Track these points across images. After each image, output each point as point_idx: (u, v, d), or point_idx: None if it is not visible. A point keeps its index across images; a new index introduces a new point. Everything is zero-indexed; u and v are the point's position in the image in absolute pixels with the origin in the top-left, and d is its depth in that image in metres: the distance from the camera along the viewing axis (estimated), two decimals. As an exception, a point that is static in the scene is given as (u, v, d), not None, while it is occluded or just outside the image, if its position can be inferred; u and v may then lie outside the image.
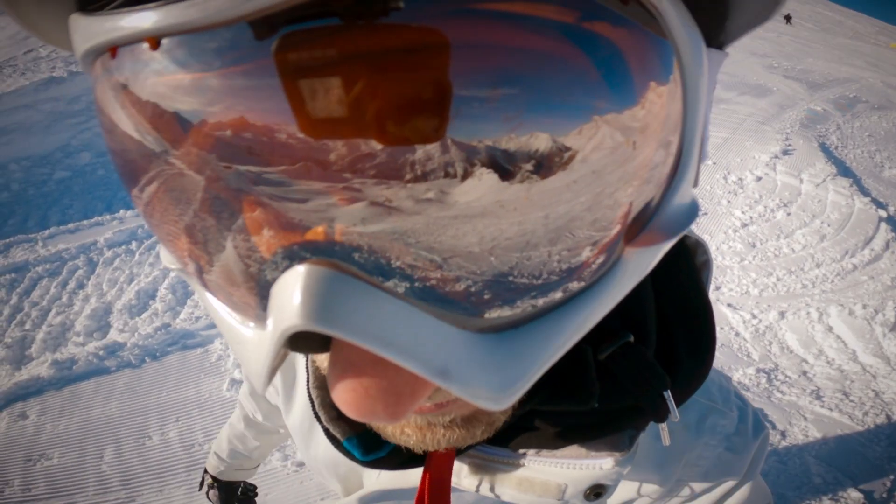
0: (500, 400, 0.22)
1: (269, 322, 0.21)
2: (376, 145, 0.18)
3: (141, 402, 1.94)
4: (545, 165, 0.19)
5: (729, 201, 3.54)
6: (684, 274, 0.44)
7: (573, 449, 0.44)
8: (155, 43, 0.19)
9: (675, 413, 0.39)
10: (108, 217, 2.86)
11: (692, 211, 0.27)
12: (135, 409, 1.92)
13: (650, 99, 0.21)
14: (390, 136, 0.18)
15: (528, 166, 0.19)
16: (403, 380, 0.22)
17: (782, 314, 2.57)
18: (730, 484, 0.53)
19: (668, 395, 0.39)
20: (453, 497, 0.47)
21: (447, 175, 0.18)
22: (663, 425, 0.42)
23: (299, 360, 0.56)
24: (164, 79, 0.19)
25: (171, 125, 0.19)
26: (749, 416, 0.53)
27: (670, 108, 0.22)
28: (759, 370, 2.23)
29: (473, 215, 0.19)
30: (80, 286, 2.43)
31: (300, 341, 0.21)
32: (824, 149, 4.37)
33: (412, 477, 0.46)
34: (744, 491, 0.54)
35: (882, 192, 3.85)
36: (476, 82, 0.17)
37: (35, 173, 3.12)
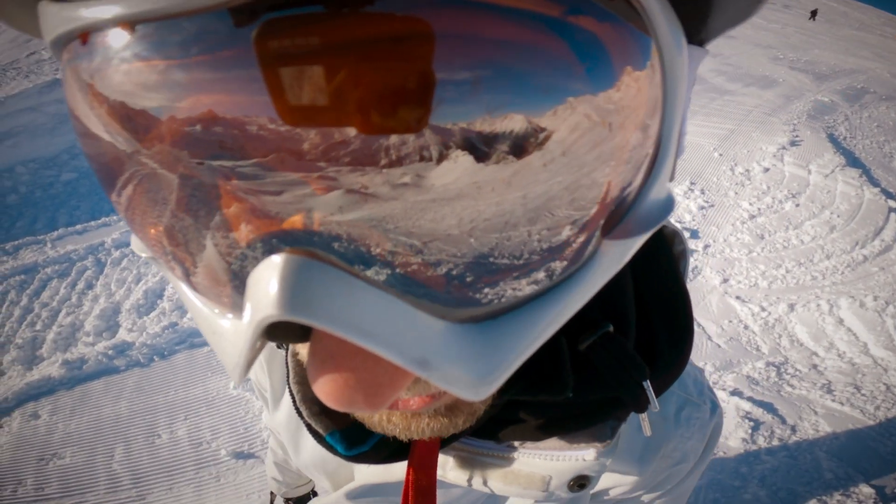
0: (478, 390, 0.22)
1: (246, 312, 0.21)
2: (351, 132, 0.17)
3: (150, 401, 1.95)
4: (521, 146, 0.19)
5: (736, 193, 3.52)
6: (663, 263, 0.44)
7: (556, 441, 0.44)
8: (130, 28, 0.18)
9: (654, 403, 0.39)
10: (114, 218, 2.87)
11: (668, 205, 0.27)
12: (144, 407, 1.93)
13: (626, 83, 0.21)
14: (374, 125, 0.17)
15: (504, 147, 0.19)
16: (383, 369, 0.22)
17: (792, 307, 2.55)
18: (685, 467, 0.54)
19: (647, 384, 0.39)
20: (441, 491, 0.48)
21: (423, 159, 0.18)
22: (644, 415, 0.42)
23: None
24: (137, 66, 0.18)
25: (144, 115, 0.19)
26: (718, 408, 0.55)
27: (647, 96, 0.22)
28: (768, 364, 2.21)
29: (451, 198, 0.19)
30: (89, 286, 2.44)
31: (278, 331, 0.21)
32: (832, 139, 4.33)
33: (398, 470, 0.46)
34: (697, 473, 0.57)
35: (892, 182, 3.81)
36: (459, 70, 0.17)
37: (42, 175, 3.13)
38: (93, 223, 2.82)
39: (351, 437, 0.42)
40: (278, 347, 0.55)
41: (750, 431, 1.90)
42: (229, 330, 0.24)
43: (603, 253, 0.25)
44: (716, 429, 0.55)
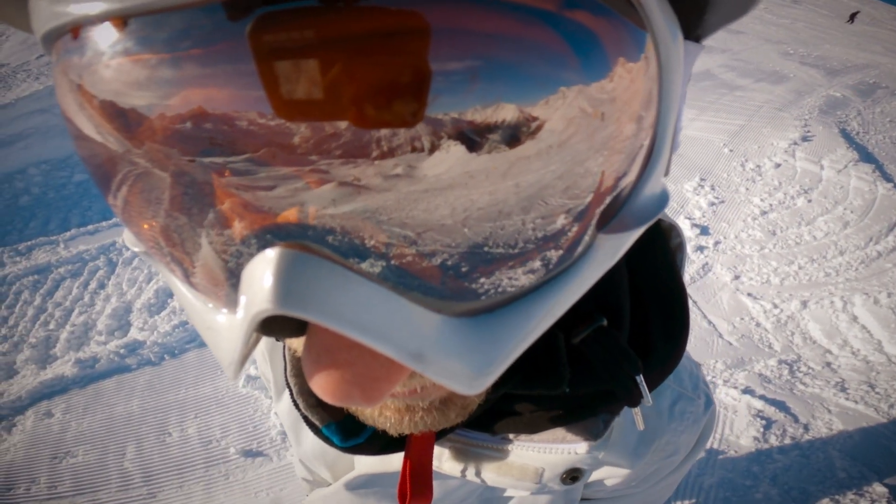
0: (473, 384, 0.22)
1: (240, 307, 0.21)
2: (343, 125, 0.17)
3: (161, 399, 1.97)
4: (513, 136, 0.19)
5: (747, 189, 3.48)
6: (659, 257, 0.44)
7: (550, 433, 0.45)
8: (121, 23, 0.18)
9: (647, 398, 0.39)
10: (125, 218, 2.89)
11: (663, 199, 0.27)
12: (155, 406, 1.95)
13: (620, 74, 0.21)
14: (370, 119, 0.17)
15: (497, 137, 0.18)
16: (378, 363, 0.22)
17: (805, 303, 2.52)
18: (676, 459, 0.55)
19: (640, 379, 0.39)
20: (437, 482, 0.48)
21: (415, 150, 0.18)
22: (637, 410, 0.43)
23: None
24: (128, 61, 0.18)
25: (134, 110, 0.19)
26: (712, 403, 0.55)
27: (641, 88, 0.22)
28: (780, 361, 2.19)
29: (444, 188, 0.19)
30: (101, 286, 2.47)
31: (273, 325, 0.21)
32: (845, 135, 4.28)
33: (396, 461, 0.47)
34: (687, 466, 0.58)
35: (906, 177, 3.76)
36: (454, 64, 0.17)
37: (54, 177, 3.16)
38: (104, 223, 2.84)
39: (346, 429, 0.43)
40: (277, 341, 0.55)
41: (762, 430, 1.88)
42: (224, 325, 0.24)
43: (598, 247, 0.25)
44: (709, 423, 0.55)
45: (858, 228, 3.12)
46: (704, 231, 3.04)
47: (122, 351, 2.12)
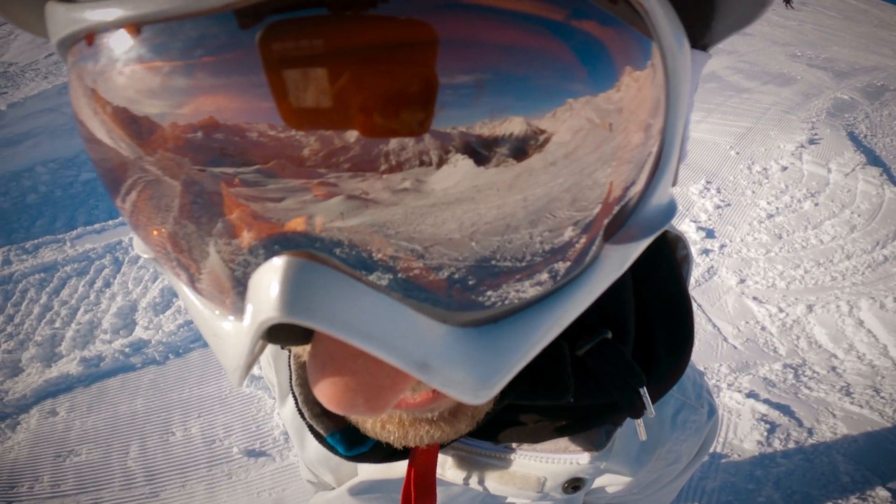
0: (479, 394, 0.22)
1: (247, 315, 0.21)
2: (352, 137, 0.18)
3: (165, 399, 1.97)
4: (521, 149, 0.19)
5: (754, 192, 3.47)
6: (665, 268, 0.44)
7: (552, 443, 0.45)
8: (135, 31, 0.18)
9: (650, 410, 0.39)
10: (131, 217, 2.90)
11: (670, 210, 0.27)
12: (159, 405, 1.95)
13: (627, 85, 0.21)
14: (379, 129, 0.17)
15: (504, 150, 0.19)
16: (384, 373, 0.22)
17: (810, 307, 2.50)
18: (678, 467, 0.55)
19: (643, 391, 0.39)
20: (440, 489, 0.49)
21: (423, 164, 0.18)
22: (639, 421, 0.43)
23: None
24: (141, 68, 0.18)
25: (146, 117, 0.19)
26: (716, 412, 0.55)
27: (649, 99, 0.22)
28: (785, 366, 2.18)
29: (452, 202, 0.19)
30: (107, 285, 2.48)
31: (279, 333, 0.21)
32: (853, 137, 4.25)
33: (400, 468, 0.47)
34: (688, 473, 0.58)
35: (914, 181, 3.72)
36: (463, 75, 0.17)
37: (62, 175, 3.18)
38: (111, 222, 2.86)
39: (351, 438, 0.43)
40: (282, 348, 0.56)
41: (765, 434, 1.87)
42: (230, 332, 0.24)
43: (604, 258, 0.25)
44: (711, 431, 0.56)
45: (865, 232, 3.10)
46: (710, 234, 3.03)
47: (126, 350, 2.13)
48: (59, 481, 1.71)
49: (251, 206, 0.19)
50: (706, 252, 2.86)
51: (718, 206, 3.27)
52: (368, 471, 0.54)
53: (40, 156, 3.25)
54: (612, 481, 0.53)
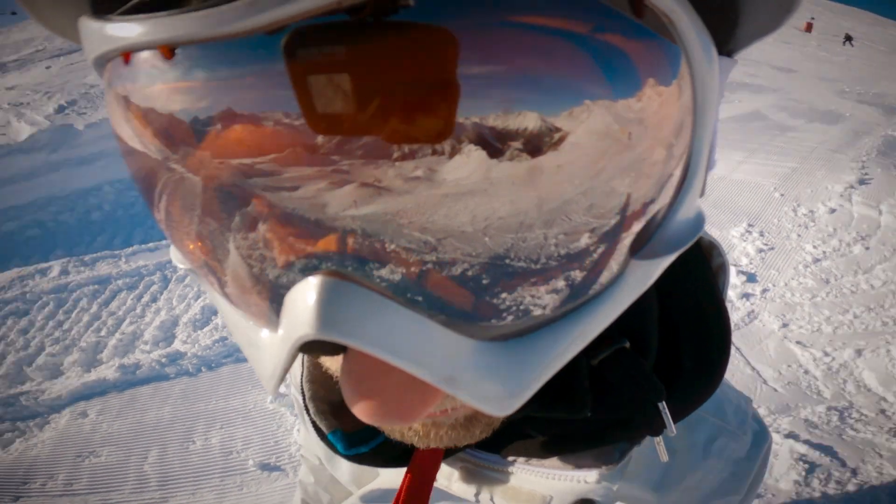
0: (504, 406, 0.23)
1: (283, 329, 0.22)
2: (384, 143, 0.18)
3: (191, 409, 2.02)
4: (535, 144, 0.19)
5: (799, 235, 3.33)
6: (698, 278, 0.41)
7: (559, 459, 0.43)
8: (169, 52, 0.19)
9: (671, 427, 0.37)
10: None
11: (698, 223, 0.27)
12: (185, 414, 2.00)
13: (654, 95, 0.21)
14: (398, 134, 0.18)
15: (518, 144, 0.19)
16: (415, 386, 0.23)
17: (859, 352, 2.35)
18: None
19: (663, 406, 0.37)
20: (446, 503, 0.47)
21: (436, 153, 0.19)
22: (658, 439, 0.40)
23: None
24: (175, 87, 0.19)
25: (181, 134, 0.20)
26: (766, 442, 0.49)
27: (677, 108, 0.22)
28: (829, 408, 2.04)
29: (465, 193, 0.20)
30: (154, 299, 2.61)
31: (313, 346, 0.22)
32: (907, 179, 4.05)
33: None
34: None
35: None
36: (484, 82, 0.18)
37: (125, 195, 3.41)
38: (164, 242, 3.02)
39: (351, 438, 0.43)
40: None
41: (804, 474, 1.75)
42: (266, 343, 0.25)
43: (630, 272, 0.25)
44: (763, 461, 0.50)
45: (921, 277, 2.91)
46: (751, 278, 2.91)
47: (163, 360, 2.21)
48: (72, 480, 1.74)
49: (288, 217, 0.20)
50: (746, 296, 2.75)
51: (761, 250, 3.16)
52: (386, 480, 0.53)
53: (109, 175, 3.49)
54: None
